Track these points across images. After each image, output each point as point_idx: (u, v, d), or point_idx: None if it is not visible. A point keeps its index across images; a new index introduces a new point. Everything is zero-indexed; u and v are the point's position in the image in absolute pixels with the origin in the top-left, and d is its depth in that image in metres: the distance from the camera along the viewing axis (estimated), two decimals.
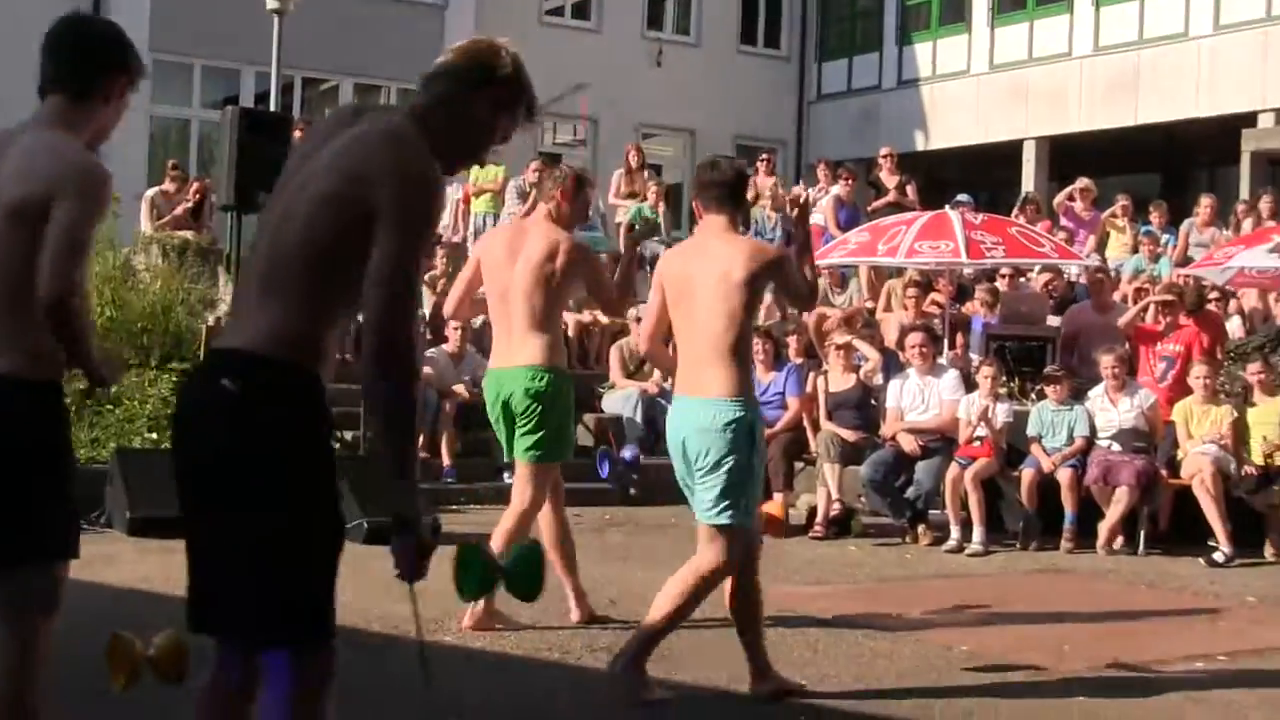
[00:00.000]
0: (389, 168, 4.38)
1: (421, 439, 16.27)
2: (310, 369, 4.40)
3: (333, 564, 4.47)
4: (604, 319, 19.76)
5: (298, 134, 20.34)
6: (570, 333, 19.59)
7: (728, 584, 7.85)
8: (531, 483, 9.30)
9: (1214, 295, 18.35)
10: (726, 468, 7.48)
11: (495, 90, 4.80)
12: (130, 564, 11.29)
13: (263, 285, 4.48)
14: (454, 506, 15.31)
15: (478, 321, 17.31)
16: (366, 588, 10.45)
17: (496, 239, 9.80)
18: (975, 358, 17.16)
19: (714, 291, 7.50)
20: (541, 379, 9.13)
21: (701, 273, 7.60)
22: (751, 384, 7.75)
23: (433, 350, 17.21)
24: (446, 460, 16.37)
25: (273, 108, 16.66)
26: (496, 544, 8.83)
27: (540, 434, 9.20)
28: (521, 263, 9.15)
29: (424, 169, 4.44)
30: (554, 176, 9.80)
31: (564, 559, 9.61)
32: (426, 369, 16.48)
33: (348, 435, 16.32)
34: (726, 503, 7.52)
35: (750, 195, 24.36)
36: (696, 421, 7.51)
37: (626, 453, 9.26)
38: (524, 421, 9.19)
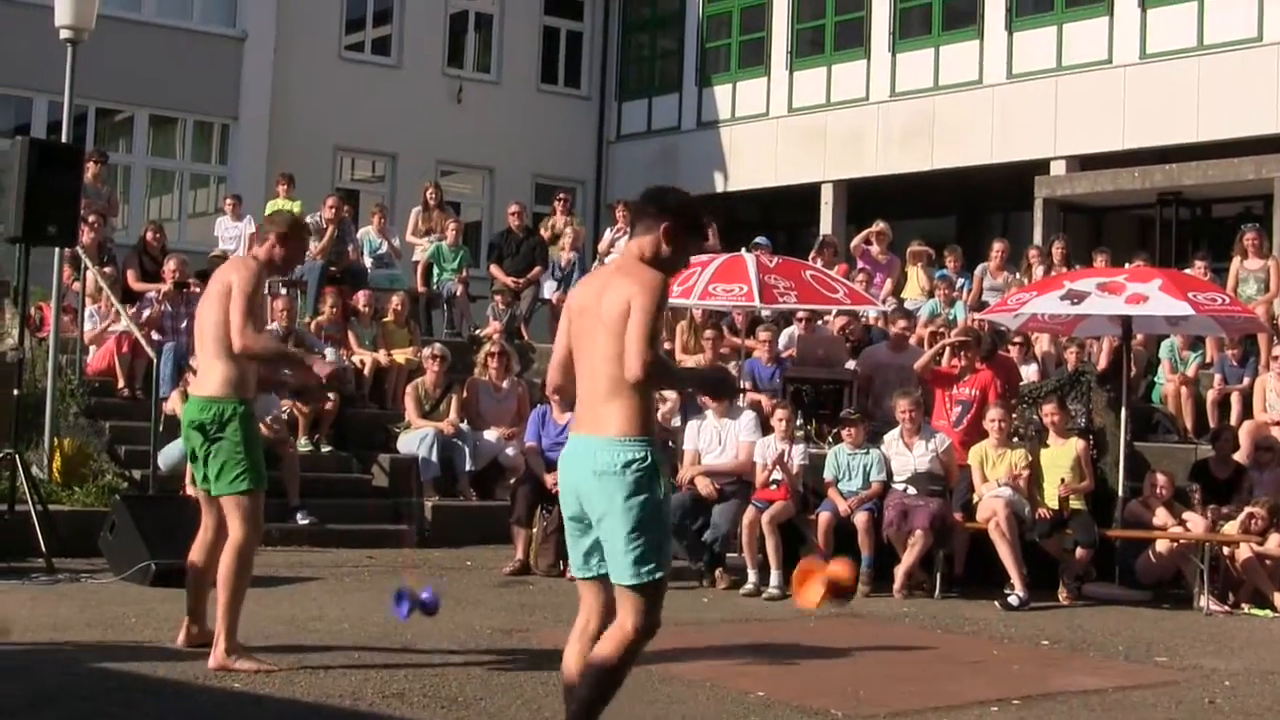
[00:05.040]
0: None
1: None
2: None
3: None
4: (399, 358, 19.60)
5: (90, 167, 19.99)
6: (365, 372, 19.43)
7: None
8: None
9: (1018, 340, 18.55)
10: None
11: None
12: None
13: None
14: None
15: None
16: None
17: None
18: (762, 398, 17.05)
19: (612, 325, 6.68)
20: (210, 410, 9.21)
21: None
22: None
23: None
24: None
25: (65, 138, 16.22)
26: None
27: (220, 464, 9.21)
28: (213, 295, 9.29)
29: None
30: (273, 220, 9.91)
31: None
32: None
33: (136, 475, 16.00)
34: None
35: (547, 234, 24.31)
36: (593, 464, 6.64)
37: (425, 594, 9.14)
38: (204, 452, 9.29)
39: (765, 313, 19.29)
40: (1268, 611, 14.21)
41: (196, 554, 9.55)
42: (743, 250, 18.36)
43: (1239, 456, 16.00)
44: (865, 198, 29.52)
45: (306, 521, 16.39)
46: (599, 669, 6.56)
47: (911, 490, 14.76)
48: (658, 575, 6.57)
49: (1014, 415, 16.00)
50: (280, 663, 9.19)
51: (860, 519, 14.57)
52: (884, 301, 20.76)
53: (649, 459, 6.57)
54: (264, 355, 9.33)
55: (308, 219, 22.17)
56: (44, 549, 13.20)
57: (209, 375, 9.23)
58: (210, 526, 9.47)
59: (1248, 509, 14.64)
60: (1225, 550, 14.66)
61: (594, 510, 6.64)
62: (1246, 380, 18.05)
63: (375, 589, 13.12)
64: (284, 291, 20.52)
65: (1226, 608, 14.32)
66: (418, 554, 15.86)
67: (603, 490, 6.56)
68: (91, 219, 19.37)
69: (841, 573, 7.12)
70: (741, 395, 16.30)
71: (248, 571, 9.18)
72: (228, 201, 24.27)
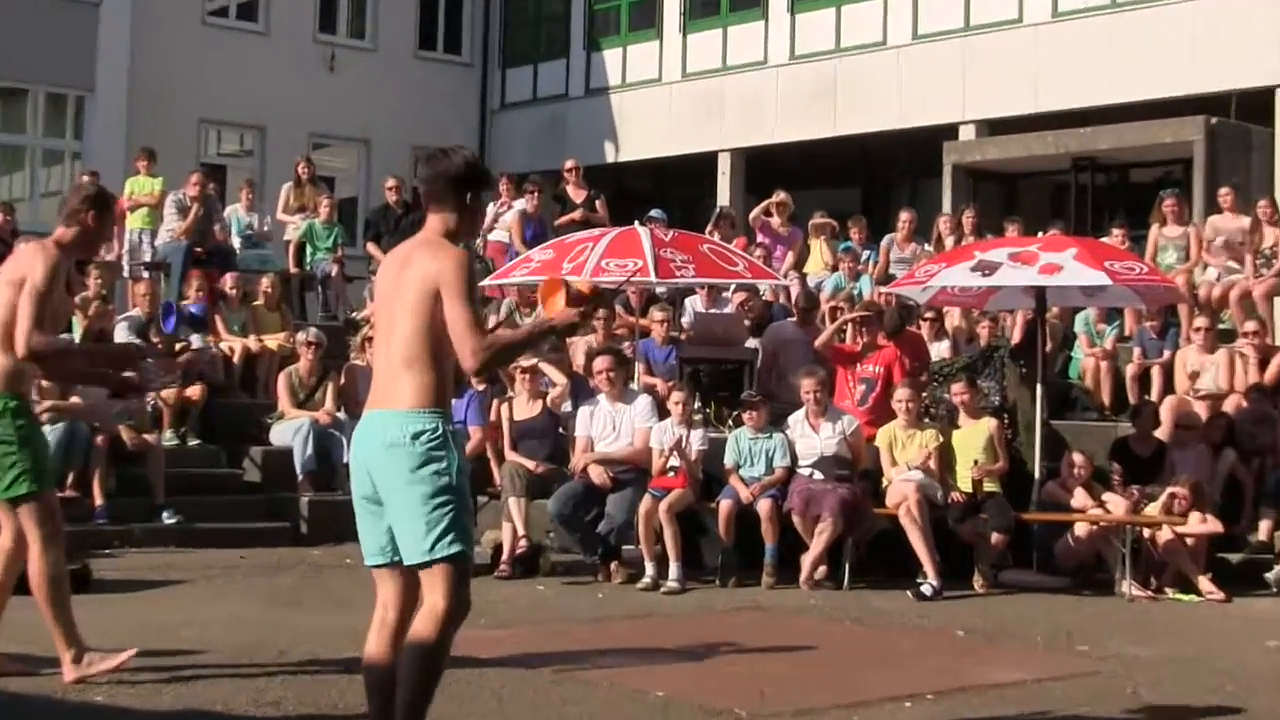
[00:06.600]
0: None
1: (70, 477, 15.66)
2: None
3: None
4: (271, 344, 19.49)
5: None
6: (235, 359, 19.32)
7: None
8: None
9: (929, 315, 18.58)
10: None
11: None
12: None
13: None
14: (107, 551, 14.84)
15: None
16: None
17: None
18: (656, 381, 17.08)
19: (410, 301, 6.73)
20: None
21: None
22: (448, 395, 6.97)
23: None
24: (99, 499, 15.77)
25: None
26: None
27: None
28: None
29: None
30: (81, 194, 9.21)
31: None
32: (76, 399, 15.93)
33: None
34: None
35: None
36: (383, 437, 6.76)
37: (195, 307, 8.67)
38: None
39: (661, 290, 19.29)
40: (1192, 596, 14.34)
41: None
42: (636, 224, 18.33)
43: (1160, 434, 16.16)
44: (764, 167, 29.57)
45: (173, 520, 16.25)
46: (418, 656, 6.58)
47: (818, 475, 14.78)
48: (455, 549, 6.57)
49: (924, 394, 16.07)
50: (144, 675, 9.04)
51: (764, 506, 14.58)
52: (785, 276, 20.83)
53: (439, 430, 6.64)
54: (51, 358, 8.92)
55: (170, 196, 22.01)
56: None
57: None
58: (8, 534, 8.94)
59: (1170, 489, 14.78)
60: (1147, 533, 14.79)
61: (384, 486, 6.73)
62: (1167, 353, 18.20)
63: (248, 591, 13.05)
64: (146, 274, 20.37)
65: (1150, 593, 14.44)
66: (293, 553, 15.77)
67: (393, 463, 6.66)
68: None
69: (582, 286, 7.05)
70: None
71: (62, 578, 8.82)
72: (84, 179, 24.03)
